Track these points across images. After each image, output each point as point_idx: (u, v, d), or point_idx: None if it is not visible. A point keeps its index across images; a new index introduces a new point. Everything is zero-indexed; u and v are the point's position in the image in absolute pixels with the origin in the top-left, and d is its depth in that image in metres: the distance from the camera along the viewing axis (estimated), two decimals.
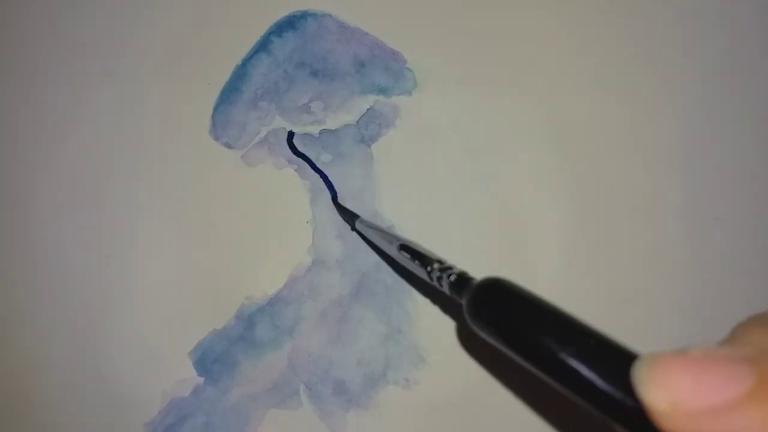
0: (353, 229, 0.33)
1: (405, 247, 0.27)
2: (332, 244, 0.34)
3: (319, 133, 0.34)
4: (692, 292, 0.33)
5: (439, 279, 0.24)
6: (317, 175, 0.34)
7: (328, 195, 0.34)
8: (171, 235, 0.34)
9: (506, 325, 0.19)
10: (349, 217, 0.32)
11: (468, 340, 0.33)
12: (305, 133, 0.34)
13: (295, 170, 0.34)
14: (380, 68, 0.34)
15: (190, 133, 0.34)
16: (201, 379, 0.33)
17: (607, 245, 0.33)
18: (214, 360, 0.33)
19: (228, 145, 0.34)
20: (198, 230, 0.34)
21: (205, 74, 0.34)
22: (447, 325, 0.33)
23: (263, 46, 0.34)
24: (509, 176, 0.34)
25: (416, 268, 0.26)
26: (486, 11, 0.34)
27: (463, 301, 0.21)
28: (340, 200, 0.34)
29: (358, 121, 0.34)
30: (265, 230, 0.34)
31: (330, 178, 0.34)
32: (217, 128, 0.34)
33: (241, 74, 0.34)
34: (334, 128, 0.34)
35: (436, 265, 0.24)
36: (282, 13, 0.34)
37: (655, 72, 0.34)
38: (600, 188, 0.33)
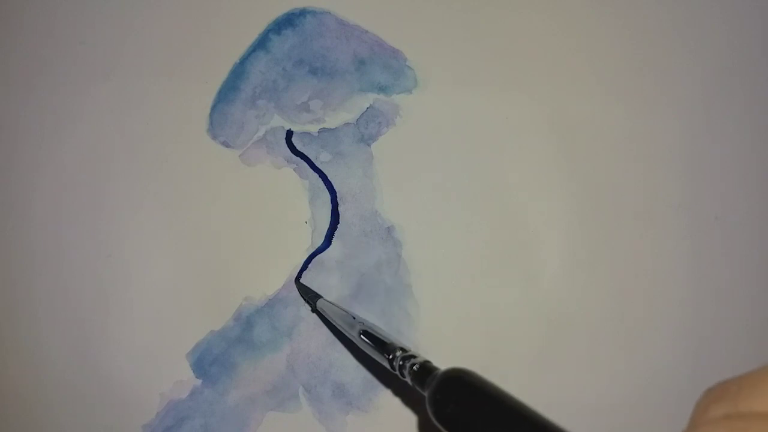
0: (313, 310, 0.32)
1: (366, 333, 0.26)
2: (331, 244, 0.33)
3: (319, 131, 0.34)
4: (692, 291, 0.33)
5: (401, 368, 0.23)
6: (316, 175, 0.34)
7: (327, 194, 0.34)
8: (169, 235, 0.34)
9: (469, 425, 0.19)
10: (311, 296, 0.32)
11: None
12: (304, 132, 0.34)
13: (294, 169, 0.34)
14: (380, 66, 0.34)
15: (188, 132, 0.34)
16: (199, 381, 0.33)
17: (607, 244, 0.33)
18: (212, 362, 0.33)
19: (226, 144, 0.34)
20: (196, 230, 0.34)
21: (203, 73, 0.34)
22: (447, 326, 0.33)
23: (262, 43, 0.34)
24: (510, 175, 0.33)
25: (377, 355, 0.25)
26: (487, 10, 0.34)
27: (426, 394, 0.20)
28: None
29: (357, 120, 0.34)
30: (263, 230, 0.34)
31: (329, 178, 0.34)
32: (215, 127, 0.34)
33: (239, 72, 0.34)
34: (333, 127, 0.34)
35: (398, 353, 0.24)
36: (281, 11, 0.34)
37: (655, 71, 0.34)
38: (600, 187, 0.33)
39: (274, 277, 0.33)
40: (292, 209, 0.34)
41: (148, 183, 0.34)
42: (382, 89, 0.34)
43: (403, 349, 0.24)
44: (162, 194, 0.34)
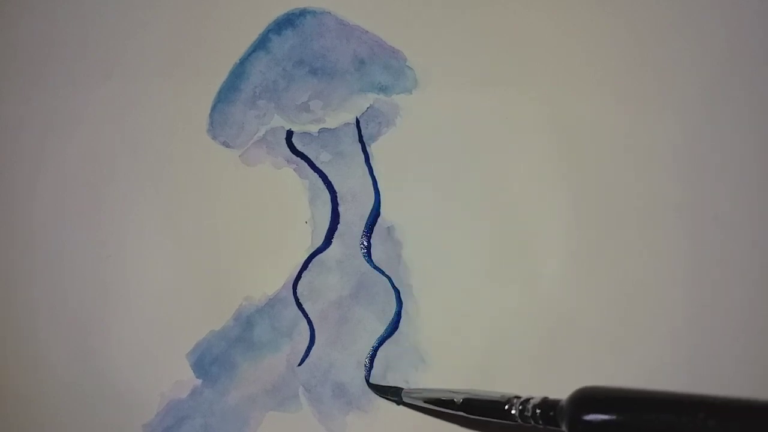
0: (400, 403, 0.32)
1: (470, 401, 0.27)
2: (331, 244, 0.33)
3: (319, 132, 0.34)
4: (691, 291, 0.33)
5: (523, 414, 0.23)
6: (316, 175, 0.34)
7: (327, 194, 0.34)
8: (169, 235, 0.34)
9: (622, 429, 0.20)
10: (392, 392, 0.32)
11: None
12: (304, 132, 0.34)
13: (294, 170, 0.34)
14: (380, 66, 0.34)
15: (188, 132, 0.34)
16: (199, 381, 0.33)
17: (607, 245, 0.33)
18: (212, 361, 0.33)
19: (226, 144, 0.34)
20: (196, 230, 0.34)
21: (204, 73, 0.34)
22: (447, 326, 0.33)
23: (262, 44, 0.34)
24: (510, 175, 0.33)
25: (491, 413, 0.25)
26: (487, 9, 0.34)
27: (565, 426, 0.21)
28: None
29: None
30: (263, 230, 0.34)
31: (329, 178, 0.34)
32: (215, 127, 0.34)
33: (239, 73, 0.34)
34: (333, 127, 0.34)
35: (515, 401, 0.24)
36: (281, 11, 0.34)
37: (656, 71, 0.34)
38: (600, 187, 0.33)
39: (274, 277, 0.33)
40: (292, 209, 0.34)
41: (148, 183, 0.34)
42: (382, 89, 0.34)
43: (516, 397, 0.24)
44: (162, 194, 0.34)
